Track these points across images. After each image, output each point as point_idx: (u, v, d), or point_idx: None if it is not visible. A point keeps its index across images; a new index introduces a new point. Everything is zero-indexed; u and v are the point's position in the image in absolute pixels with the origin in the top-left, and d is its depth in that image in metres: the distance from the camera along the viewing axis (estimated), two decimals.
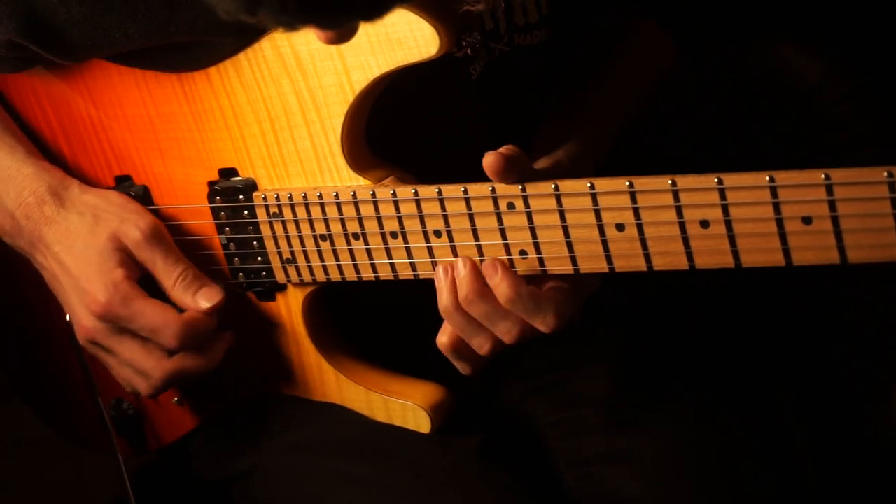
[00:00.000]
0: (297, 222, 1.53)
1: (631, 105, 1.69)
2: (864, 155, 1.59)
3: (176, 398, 1.73)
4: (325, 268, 1.54)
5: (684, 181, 1.29)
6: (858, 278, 1.39)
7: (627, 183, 1.32)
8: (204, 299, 1.56)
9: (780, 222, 1.26)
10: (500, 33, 1.58)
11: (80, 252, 1.57)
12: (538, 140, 1.54)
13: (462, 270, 1.41)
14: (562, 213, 1.37)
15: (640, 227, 1.33)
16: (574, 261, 1.38)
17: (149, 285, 1.58)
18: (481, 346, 1.44)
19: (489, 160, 1.36)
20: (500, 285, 1.39)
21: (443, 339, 1.47)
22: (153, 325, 1.54)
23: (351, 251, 1.51)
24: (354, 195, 1.48)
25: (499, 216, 1.40)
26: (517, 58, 1.60)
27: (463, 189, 1.41)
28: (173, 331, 1.53)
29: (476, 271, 1.41)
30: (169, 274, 1.56)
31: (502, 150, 1.38)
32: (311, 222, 1.52)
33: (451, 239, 1.44)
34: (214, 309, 1.56)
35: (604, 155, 1.54)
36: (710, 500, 1.51)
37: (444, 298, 1.43)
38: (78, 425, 1.86)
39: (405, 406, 1.58)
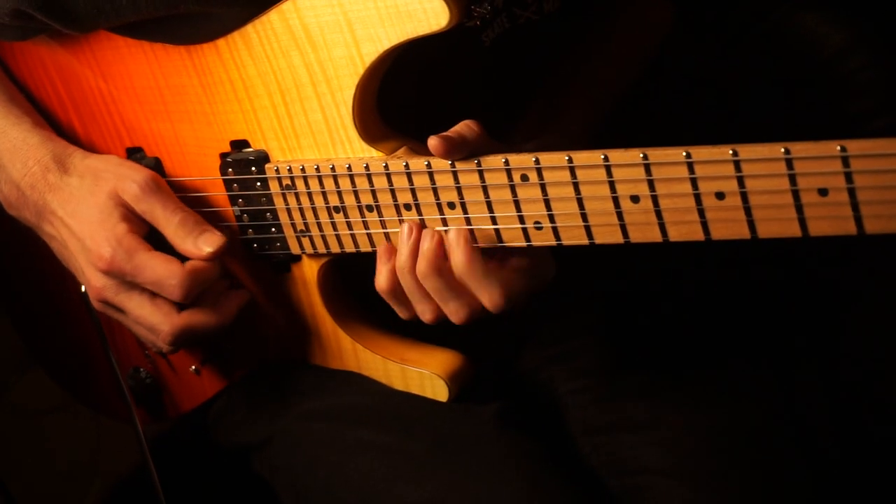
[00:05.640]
0: (310, 194, 1.53)
1: (619, 83, 1.69)
2: (885, 122, 1.57)
3: (193, 367, 1.74)
4: (338, 238, 1.54)
5: (699, 153, 1.28)
6: (880, 262, 1.39)
7: (642, 155, 1.31)
8: (206, 244, 1.55)
9: (796, 194, 1.24)
10: (527, 1, 1.56)
11: (83, 213, 1.57)
12: (520, 126, 1.56)
13: (426, 243, 1.43)
14: (576, 186, 1.36)
15: (654, 199, 1.32)
16: (589, 232, 1.38)
17: (158, 243, 1.57)
18: (423, 312, 1.47)
19: (432, 143, 1.39)
20: (457, 253, 1.42)
21: (381, 282, 1.48)
22: (156, 277, 1.53)
23: (365, 223, 1.51)
24: (367, 167, 1.47)
25: (512, 188, 1.40)
26: (544, 25, 1.58)
27: (476, 161, 1.40)
28: (177, 281, 1.52)
29: (440, 246, 1.43)
30: (169, 221, 1.56)
31: (451, 131, 1.40)
32: (324, 194, 1.52)
33: (465, 211, 1.43)
34: (217, 253, 1.55)
35: (583, 139, 1.57)
36: (730, 469, 1.51)
37: (401, 258, 1.45)
38: (97, 393, 1.87)
39: (422, 375, 1.59)
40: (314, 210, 1.53)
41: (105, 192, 1.56)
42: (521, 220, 1.41)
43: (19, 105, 1.66)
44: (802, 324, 1.71)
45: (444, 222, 1.45)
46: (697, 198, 1.30)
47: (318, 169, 1.51)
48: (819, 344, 1.70)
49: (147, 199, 1.56)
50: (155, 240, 1.57)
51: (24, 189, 1.60)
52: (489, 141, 1.42)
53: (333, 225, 1.53)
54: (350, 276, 1.63)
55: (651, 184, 1.32)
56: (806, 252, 1.30)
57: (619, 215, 1.35)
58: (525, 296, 1.45)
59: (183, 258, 1.55)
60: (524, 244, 1.42)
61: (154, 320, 1.56)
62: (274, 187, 1.55)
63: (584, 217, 1.37)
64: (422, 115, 1.50)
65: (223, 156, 1.59)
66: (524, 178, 1.39)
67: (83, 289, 1.63)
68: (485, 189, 1.41)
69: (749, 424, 1.55)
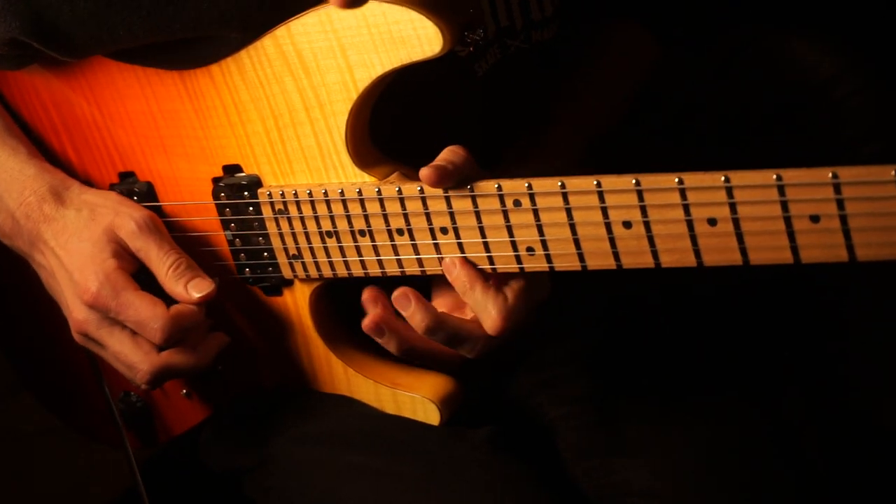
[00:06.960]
0: (302, 219, 1.53)
1: (607, 112, 1.71)
2: (875, 148, 1.58)
3: (184, 391, 1.73)
4: (331, 264, 1.54)
5: (691, 179, 1.29)
6: (861, 275, 1.39)
7: (634, 181, 1.32)
8: (195, 290, 1.55)
9: (788, 220, 1.25)
10: (516, 30, 1.57)
11: (76, 246, 1.57)
12: (507, 154, 1.58)
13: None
14: (569, 211, 1.36)
15: (647, 224, 1.33)
16: (582, 258, 1.38)
17: (148, 283, 1.57)
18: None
19: (424, 174, 1.40)
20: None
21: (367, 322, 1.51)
22: (139, 318, 1.53)
23: (357, 248, 1.51)
24: (360, 192, 1.48)
25: (505, 213, 1.40)
26: (533, 54, 1.59)
27: (469, 187, 1.41)
28: (159, 324, 1.52)
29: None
30: (162, 262, 1.56)
31: (440, 160, 1.41)
32: (316, 219, 1.52)
33: (457, 236, 1.44)
34: (205, 300, 1.55)
35: (572, 166, 1.58)
36: (721, 491, 1.52)
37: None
38: (88, 419, 1.86)
39: (414, 399, 1.59)
40: (306, 235, 1.54)
41: (101, 227, 1.57)
42: (514, 245, 1.41)
43: (15, 136, 1.66)
44: (791, 346, 1.72)
45: (437, 247, 1.46)
46: (689, 224, 1.31)
47: (310, 194, 1.51)
48: (808, 366, 1.71)
49: (143, 238, 1.56)
50: (146, 282, 1.57)
51: (19, 218, 1.60)
52: (477, 167, 1.43)
53: (326, 250, 1.53)
54: (342, 300, 1.63)
55: (643, 210, 1.32)
56: (794, 274, 1.31)
57: (612, 241, 1.36)
58: (524, 316, 1.45)
59: (168, 299, 1.55)
60: (516, 269, 1.42)
61: (134, 359, 1.57)
62: (266, 212, 1.56)
63: (577, 243, 1.38)
64: (414, 142, 1.51)
65: (216, 181, 1.59)
66: (517, 203, 1.39)
67: None
68: (477, 214, 1.42)
69: (738, 447, 1.55)
